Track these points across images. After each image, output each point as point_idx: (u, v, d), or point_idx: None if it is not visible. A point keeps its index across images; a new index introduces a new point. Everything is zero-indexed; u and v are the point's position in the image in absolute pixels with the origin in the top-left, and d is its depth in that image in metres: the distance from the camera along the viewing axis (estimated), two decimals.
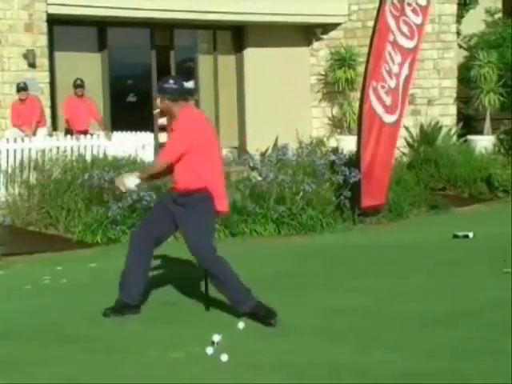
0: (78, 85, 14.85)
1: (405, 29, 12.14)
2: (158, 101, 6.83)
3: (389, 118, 12.30)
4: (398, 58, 12.12)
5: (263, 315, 6.61)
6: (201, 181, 6.65)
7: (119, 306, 6.90)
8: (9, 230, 11.85)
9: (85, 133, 14.18)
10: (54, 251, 10.55)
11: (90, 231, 11.16)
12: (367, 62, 12.25)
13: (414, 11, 12.22)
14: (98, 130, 14.62)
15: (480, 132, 18.19)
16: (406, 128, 17.48)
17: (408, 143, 17.41)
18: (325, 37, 19.07)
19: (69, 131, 14.46)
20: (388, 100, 12.18)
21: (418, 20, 12.26)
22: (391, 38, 12.00)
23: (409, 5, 12.17)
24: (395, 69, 12.12)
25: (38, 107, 14.28)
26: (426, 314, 6.94)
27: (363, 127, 12.23)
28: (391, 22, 11.95)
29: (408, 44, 12.26)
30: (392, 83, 12.15)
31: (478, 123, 18.73)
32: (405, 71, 12.22)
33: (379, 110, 12.13)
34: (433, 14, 17.61)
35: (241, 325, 6.49)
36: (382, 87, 12.03)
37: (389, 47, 12.04)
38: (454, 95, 18.08)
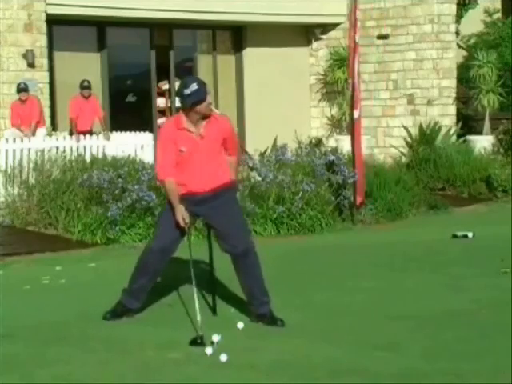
0: (85, 86, 14.83)
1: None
2: (208, 105, 6.36)
3: (355, 114, 12.51)
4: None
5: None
6: None
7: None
8: (8, 230, 11.84)
9: (88, 133, 14.21)
10: (53, 251, 10.54)
11: (89, 231, 11.15)
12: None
13: (355, 8, 12.66)
14: (100, 129, 14.67)
15: (479, 132, 18.18)
16: (405, 128, 17.50)
17: (407, 143, 17.43)
18: (324, 37, 19.09)
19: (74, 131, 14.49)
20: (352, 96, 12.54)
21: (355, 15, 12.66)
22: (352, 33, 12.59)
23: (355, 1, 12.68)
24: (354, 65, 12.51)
25: (38, 107, 14.27)
26: (424, 313, 6.95)
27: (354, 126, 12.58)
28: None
29: (356, 38, 12.59)
30: (351, 79, 12.51)
31: (477, 123, 18.71)
32: (356, 65, 12.49)
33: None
34: (432, 14, 17.68)
35: (240, 325, 6.50)
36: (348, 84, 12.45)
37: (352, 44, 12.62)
38: (453, 95, 18.08)
